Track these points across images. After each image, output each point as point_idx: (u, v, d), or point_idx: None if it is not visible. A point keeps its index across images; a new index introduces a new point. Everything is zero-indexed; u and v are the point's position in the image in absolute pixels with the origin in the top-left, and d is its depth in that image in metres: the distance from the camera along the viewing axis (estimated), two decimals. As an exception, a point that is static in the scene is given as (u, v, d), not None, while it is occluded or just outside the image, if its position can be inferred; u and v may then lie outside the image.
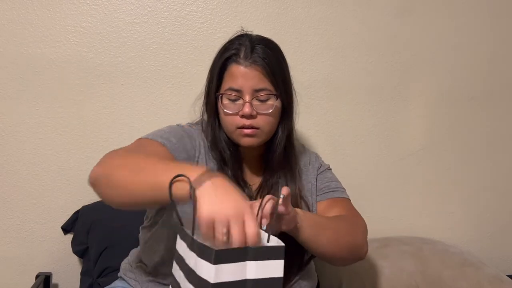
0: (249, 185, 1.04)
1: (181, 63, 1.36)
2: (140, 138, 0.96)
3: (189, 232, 0.68)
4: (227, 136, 1.02)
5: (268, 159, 1.04)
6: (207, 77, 1.02)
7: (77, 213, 1.33)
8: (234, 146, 1.02)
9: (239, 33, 1.02)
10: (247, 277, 0.64)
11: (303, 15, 1.43)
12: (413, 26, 1.51)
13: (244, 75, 0.95)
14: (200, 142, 1.02)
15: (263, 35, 1.08)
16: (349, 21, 1.46)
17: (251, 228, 0.64)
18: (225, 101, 0.97)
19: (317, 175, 1.10)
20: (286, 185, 0.99)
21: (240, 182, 1.01)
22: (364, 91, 1.50)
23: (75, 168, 1.35)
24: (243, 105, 0.95)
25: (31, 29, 1.29)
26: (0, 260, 1.34)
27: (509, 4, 1.56)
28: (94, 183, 0.84)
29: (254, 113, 0.96)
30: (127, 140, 1.34)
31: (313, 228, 0.91)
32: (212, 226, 0.64)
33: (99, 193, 0.84)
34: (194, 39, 1.36)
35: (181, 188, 0.67)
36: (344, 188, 1.12)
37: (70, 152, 1.34)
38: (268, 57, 0.97)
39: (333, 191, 1.09)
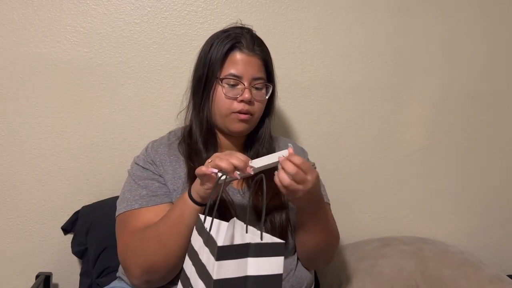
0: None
1: (181, 63, 1.36)
2: (119, 215, 1.01)
3: (207, 227, 0.71)
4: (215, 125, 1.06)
5: (251, 149, 1.09)
6: (200, 64, 1.05)
7: (77, 213, 1.33)
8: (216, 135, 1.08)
9: (238, 25, 1.07)
10: (248, 274, 0.65)
11: (303, 15, 1.43)
12: (413, 26, 1.51)
13: (246, 63, 1.01)
14: (163, 157, 1.04)
15: (263, 35, 1.10)
16: (349, 21, 1.46)
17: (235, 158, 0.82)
18: (224, 86, 1.01)
19: None
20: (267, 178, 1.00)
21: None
22: (364, 91, 1.50)
23: (75, 168, 1.35)
24: (243, 90, 1.00)
25: (31, 29, 1.29)
26: (0, 260, 1.34)
27: (509, 4, 1.57)
28: (148, 280, 0.94)
29: (253, 99, 1.01)
30: (127, 140, 1.36)
31: (321, 211, 0.96)
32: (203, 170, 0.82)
33: (158, 278, 0.94)
34: (194, 39, 1.36)
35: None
36: (325, 192, 1.14)
37: (70, 152, 1.34)
38: (266, 52, 1.06)
39: None
